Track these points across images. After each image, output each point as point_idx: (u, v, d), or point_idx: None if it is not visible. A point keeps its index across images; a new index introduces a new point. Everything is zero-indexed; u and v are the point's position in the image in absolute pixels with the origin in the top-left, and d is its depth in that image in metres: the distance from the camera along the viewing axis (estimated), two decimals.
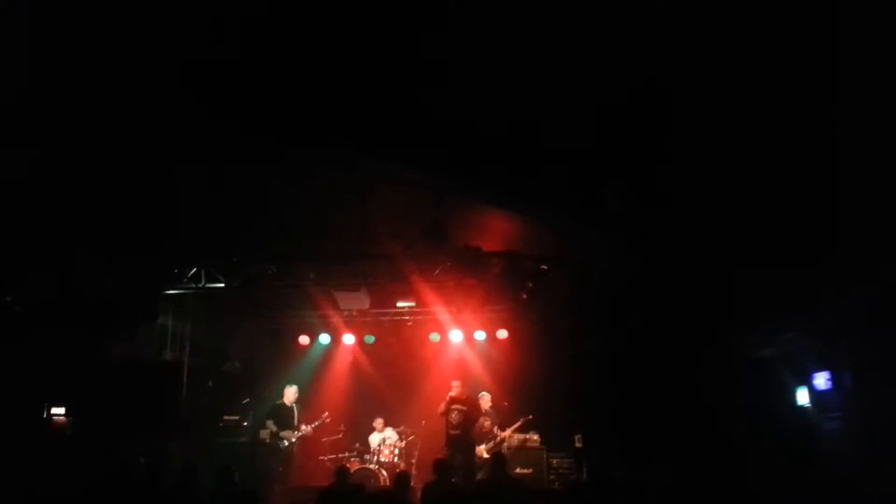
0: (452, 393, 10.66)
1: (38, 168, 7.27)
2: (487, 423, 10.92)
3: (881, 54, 5.15)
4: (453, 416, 10.51)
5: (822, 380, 8.15)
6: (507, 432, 10.88)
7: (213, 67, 6.14)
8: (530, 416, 10.89)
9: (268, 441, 11.10)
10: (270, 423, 11.09)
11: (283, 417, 11.13)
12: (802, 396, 8.62)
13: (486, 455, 10.45)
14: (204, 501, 6.33)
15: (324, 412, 11.59)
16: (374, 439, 11.57)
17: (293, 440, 11.03)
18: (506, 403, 11.54)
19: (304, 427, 11.16)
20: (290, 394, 11.38)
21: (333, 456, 11.52)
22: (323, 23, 5.62)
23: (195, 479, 6.66)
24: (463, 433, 10.46)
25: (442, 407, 10.62)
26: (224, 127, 6.82)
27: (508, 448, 10.99)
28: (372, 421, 11.95)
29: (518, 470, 10.59)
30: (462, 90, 6.27)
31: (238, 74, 6.22)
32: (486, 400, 11.22)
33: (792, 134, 6.04)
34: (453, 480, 8.04)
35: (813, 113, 5.77)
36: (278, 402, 11.40)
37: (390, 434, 11.58)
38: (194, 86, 6.28)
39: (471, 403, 10.73)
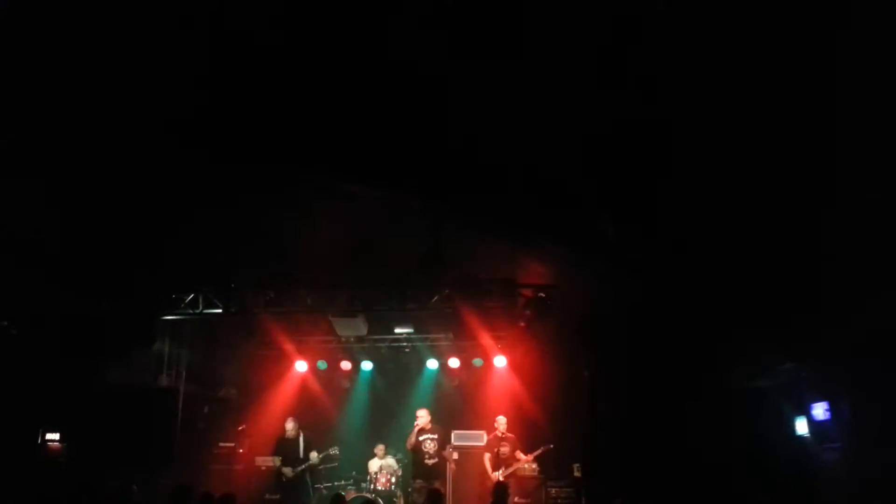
0: (419, 423, 10.64)
1: (37, 194, 7.31)
2: (506, 449, 10.80)
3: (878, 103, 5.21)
4: (427, 445, 10.50)
5: (820, 410, 8.11)
6: (529, 457, 10.78)
7: (210, 95, 6.20)
8: (551, 445, 10.76)
9: (263, 469, 11.01)
10: (276, 459, 11.02)
11: (288, 451, 11.02)
12: (801, 426, 8.58)
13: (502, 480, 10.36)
14: None
15: (333, 446, 11.41)
16: (373, 465, 11.47)
17: (291, 475, 10.82)
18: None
19: (312, 455, 10.98)
20: (289, 428, 11.23)
21: (329, 484, 11.41)
22: (321, 51, 5.68)
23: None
24: (440, 461, 10.48)
25: (412, 439, 10.54)
26: (222, 155, 6.87)
27: (507, 477, 10.90)
28: (368, 447, 11.85)
29: (516, 499, 10.48)
30: (461, 118, 6.32)
31: (238, 103, 6.28)
32: (502, 424, 11.11)
33: (790, 168, 6.09)
34: None
35: (808, 149, 5.83)
36: (283, 436, 11.29)
37: (389, 462, 11.49)
38: (194, 115, 6.34)
39: (440, 431, 10.76)
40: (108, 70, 5.74)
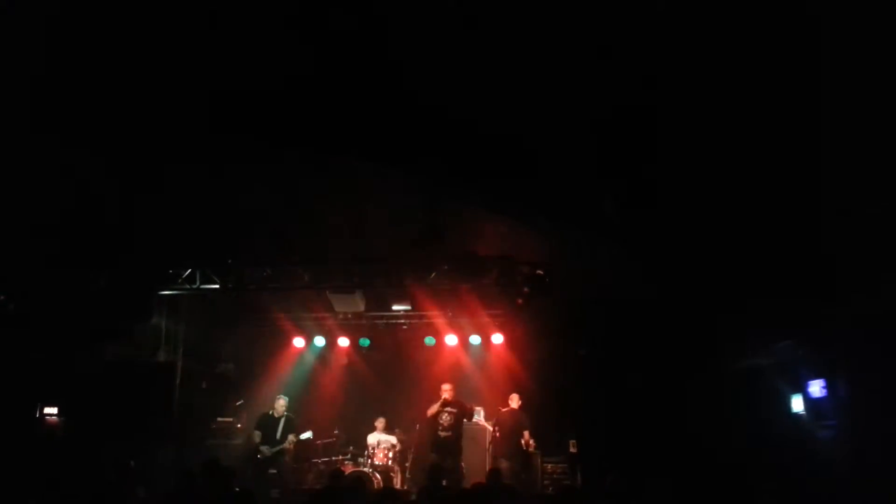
0: (446, 396, 10.58)
1: (35, 167, 7.25)
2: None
3: (875, 72, 5.16)
4: (444, 417, 10.48)
5: (816, 388, 8.14)
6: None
7: (211, 73, 6.14)
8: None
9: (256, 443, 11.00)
10: (257, 434, 10.87)
11: (268, 429, 10.82)
12: (797, 404, 8.61)
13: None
14: (201, 502, 6.28)
15: (307, 424, 11.30)
16: (371, 440, 11.53)
17: (269, 454, 10.70)
18: (502, 409, 11.50)
19: (290, 438, 10.79)
20: (279, 406, 11.02)
21: (327, 459, 11.49)
22: (319, 28, 5.62)
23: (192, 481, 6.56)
24: (454, 435, 10.46)
25: (434, 408, 10.55)
26: (222, 131, 6.82)
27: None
28: (365, 424, 11.91)
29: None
30: (459, 95, 6.27)
31: (235, 80, 6.22)
32: (515, 401, 11.16)
33: (788, 146, 6.06)
34: (444, 483, 8.02)
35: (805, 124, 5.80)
36: (268, 412, 11.09)
37: (388, 437, 11.55)
38: (194, 90, 6.29)
39: (461, 406, 10.71)
40: (111, 41, 5.68)
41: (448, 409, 10.50)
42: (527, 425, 10.79)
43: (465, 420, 10.72)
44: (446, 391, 10.58)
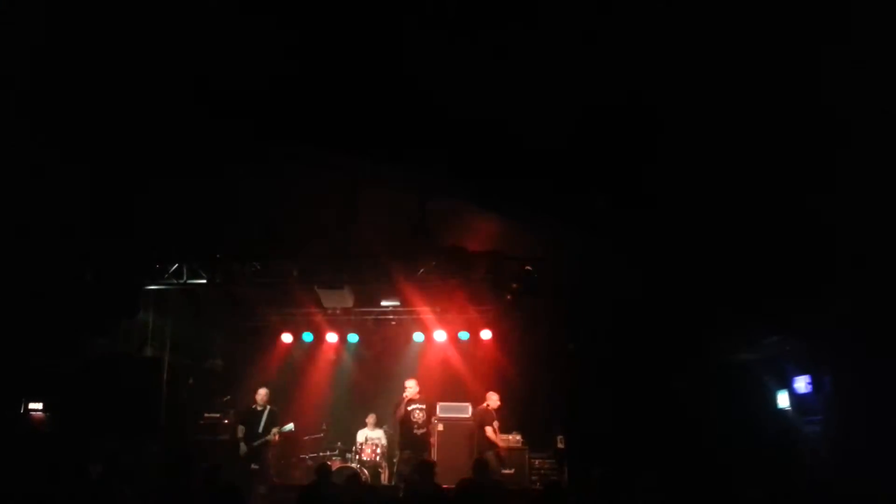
0: (408, 394, 10.53)
1: (22, 160, 7.18)
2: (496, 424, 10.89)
3: (874, 70, 5.18)
4: (416, 415, 10.43)
5: (802, 383, 8.21)
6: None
7: (204, 66, 6.10)
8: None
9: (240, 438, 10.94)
10: (240, 429, 10.78)
11: (251, 423, 10.73)
12: (783, 400, 8.68)
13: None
14: (190, 497, 6.25)
15: (295, 420, 11.22)
16: (360, 436, 11.52)
17: (245, 450, 10.60)
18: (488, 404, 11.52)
19: (273, 430, 10.70)
20: (261, 397, 10.95)
21: (315, 454, 11.46)
22: (309, 22, 5.58)
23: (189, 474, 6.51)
24: (427, 431, 10.47)
25: (402, 409, 10.48)
26: (211, 124, 6.78)
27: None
28: (353, 420, 11.90)
29: (503, 471, 10.58)
30: (449, 90, 6.25)
31: (227, 73, 6.18)
32: (493, 400, 11.16)
33: (776, 144, 6.08)
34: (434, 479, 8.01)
35: (799, 120, 5.82)
36: (251, 406, 11.00)
37: (376, 433, 11.54)
38: (185, 84, 6.24)
39: (426, 401, 10.69)
40: (97, 38, 5.63)
41: (418, 406, 10.50)
42: (489, 421, 10.82)
43: (432, 415, 10.71)
44: (411, 388, 10.57)
